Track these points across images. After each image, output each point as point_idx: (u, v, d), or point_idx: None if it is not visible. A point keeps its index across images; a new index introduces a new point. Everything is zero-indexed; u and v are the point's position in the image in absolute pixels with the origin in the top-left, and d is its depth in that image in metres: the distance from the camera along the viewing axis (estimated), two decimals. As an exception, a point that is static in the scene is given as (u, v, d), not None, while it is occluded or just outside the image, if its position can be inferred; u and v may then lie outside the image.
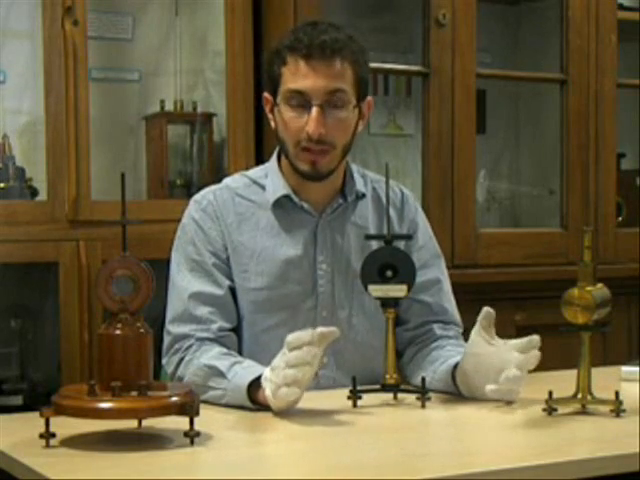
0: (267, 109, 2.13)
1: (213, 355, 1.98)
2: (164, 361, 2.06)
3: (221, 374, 1.93)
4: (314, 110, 2.01)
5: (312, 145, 2.03)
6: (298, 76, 2.02)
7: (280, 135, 2.08)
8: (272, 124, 2.12)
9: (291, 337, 1.76)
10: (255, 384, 1.85)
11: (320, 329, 1.75)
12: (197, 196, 2.17)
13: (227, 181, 2.19)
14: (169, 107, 3.11)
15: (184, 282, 2.08)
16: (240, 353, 2.08)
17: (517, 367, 1.86)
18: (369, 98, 2.12)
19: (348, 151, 2.10)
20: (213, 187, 2.18)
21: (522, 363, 1.87)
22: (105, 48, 3.09)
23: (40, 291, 2.90)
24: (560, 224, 3.35)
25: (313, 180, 2.09)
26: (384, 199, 2.17)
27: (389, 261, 1.92)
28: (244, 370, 1.90)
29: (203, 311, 2.05)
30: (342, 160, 2.10)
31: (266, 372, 1.82)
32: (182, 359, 2.02)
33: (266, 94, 2.12)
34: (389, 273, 1.91)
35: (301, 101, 2.02)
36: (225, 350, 2.02)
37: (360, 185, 2.17)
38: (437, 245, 2.25)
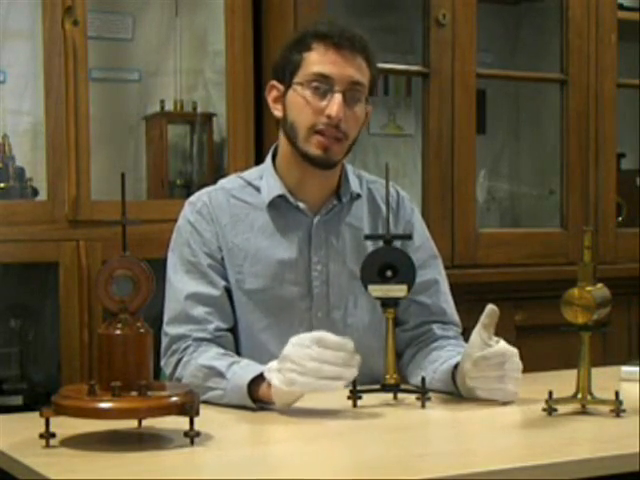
0: (271, 98, 2.12)
1: (211, 355, 1.98)
2: (162, 362, 2.06)
3: (220, 374, 1.93)
4: (337, 95, 2.03)
5: (330, 129, 2.03)
6: (326, 61, 2.03)
7: (291, 119, 2.07)
8: (276, 113, 2.11)
9: (320, 334, 1.76)
10: (255, 382, 1.86)
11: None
12: (192, 198, 2.17)
13: (222, 182, 2.19)
14: (169, 107, 3.11)
15: (180, 284, 2.08)
16: (237, 353, 2.08)
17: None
18: (369, 106, 2.13)
19: (351, 149, 2.11)
20: (208, 189, 2.18)
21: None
22: (105, 48, 3.08)
23: (40, 291, 2.90)
24: (560, 224, 3.35)
25: (322, 167, 2.08)
26: (380, 199, 2.18)
27: (389, 261, 1.92)
28: (243, 369, 1.90)
29: (200, 311, 2.05)
30: (347, 155, 2.11)
31: (272, 364, 1.81)
32: (180, 360, 2.02)
33: (274, 82, 2.11)
34: (389, 273, 1.92)
35: (324, 85, 2.03)
36: (222, 351, 2.02)
37: (355, 186, 2.17)
38: (434, 246, 2.25)
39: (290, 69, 2.07)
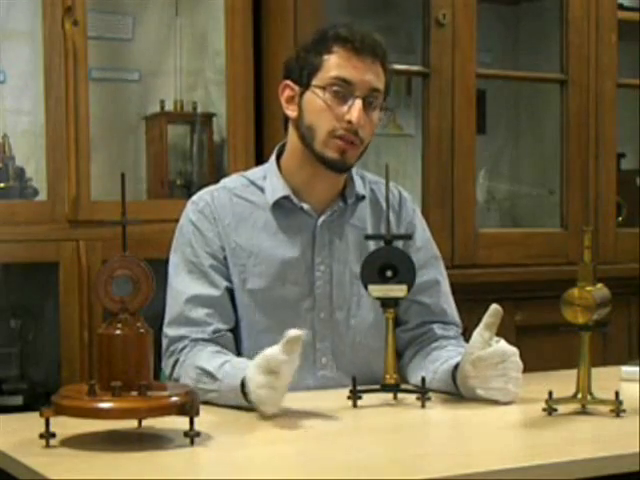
0: (284, 98, 2.11)
1: (203, 356, 1.98)
2: (163, 364, 2.06)
3: (211, 375, 1.92)
4: (358, 101, 2.03)
5: (349, 135, 2.03)
6: (348, 66, 2.03)
7: (309, 121, 2.06)
8: (289, 113, 2.10)
9: (269, 360, 1.76)
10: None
11: (288, 336, 1.74)
12: (194, 197, 2.17)
13: (225, 181, 2.19)
14: (169, 107, 3.11)
15: (181, 285, 2.08)
16: (239, 353, 2.07)
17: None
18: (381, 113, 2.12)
19: (365, 152, 2.11)
20: (210, 188, 2.18)
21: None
22: (105, 48, 3.08)
23: (40, 291, 2.89)
24: (560, 224, 3.34)
25: (337, 170, 2.08)
26: (382, 200, 2.18)
27: (389, 261, 1.92)
28: (234, 369, 1.89)
29: (199, 313, 2.05)
30: (359, 160, 2.11)
31: (250, 373, 1.81)
32: (177, 361, 2.02)
33: (289, 82, 2.10)
34: (389, 273, 1.92)
35: (345, 90, 2.03)
36: (217, 349, 2.01)
37: (359, 187, 2.17)
38: (435, 246, 2.25)
39: (308, 70, 2.06)
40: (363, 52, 2.03)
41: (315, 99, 2.05)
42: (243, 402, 1.86)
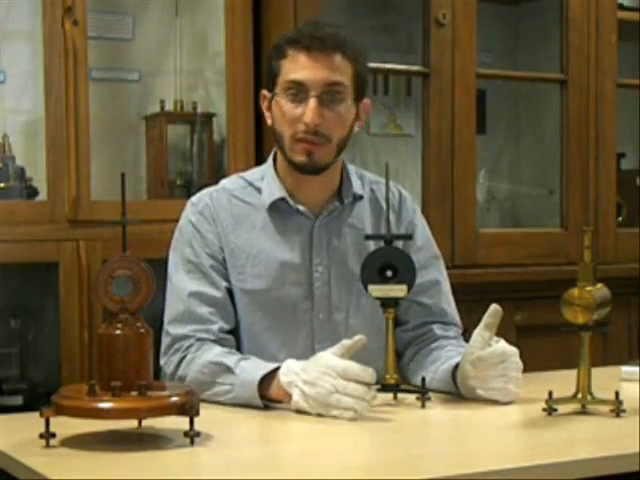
0: (264, 106, 2.13)
1: (217, 353, 1.99)
2: (162, 361, 2.06)
3: (229, 370, 1.93)
4: (312, 100, 2.01)
5: (308, 136, 2.03)
6: (298, 67, 2.02)
7: (277, 128, 2.08)
8: (269, 121, 2.12)
9: (344, 365, 1.80)
10: (265, 379, 1.87)
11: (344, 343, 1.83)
12: (194, 198, 2.17)
13: (224, 183, 2.19)
14: (169, 107, 3.11)
15: (182, 283, 2.08)
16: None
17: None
18: (366, 101, 2.12)
19: (343, 148, 2.09)
20: (210, 189, 2.18)
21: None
22: (105, 48, 3.08)
23: (40, 291, 2.89)
24: (560, 224, 3.34)
25: (309, 173, 2.08)
26: (382, 200, 2.17)
27: (389, 261, 1.92)
28: (252, 366, 1.91)
29: (203, 311, 2.05)
30: (337, 156, 2.09)
31: (287, 377, 1.83)
32: (183, 358, 2.02)
33: (264, 91, 2.12)
34: (389, 273, 1.92)
35: (300, 92, 2.02)
36: (227, 350, 2.02)
37: (357, 187, 2.16)
38: (436, 246, 2.24)
39: (272, 78, 2.08)
40: (313, 49, 2.01)
41: (277, 106, 2.06)
42: (255, 399, 1.87)
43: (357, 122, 2.11)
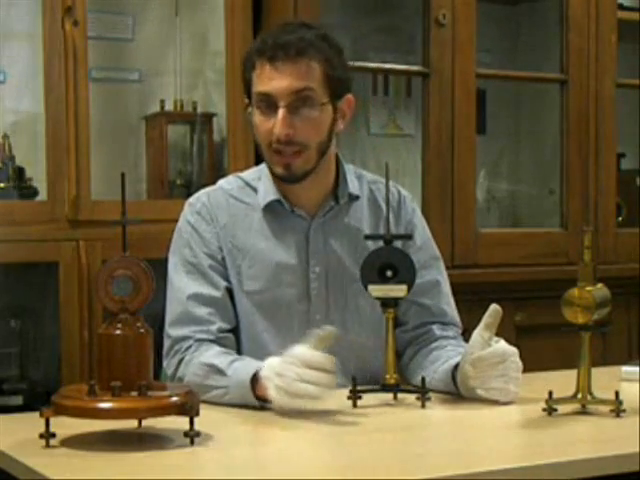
0: (247, 113, 2.12)
1: (211, 354, 1.99)
2: (165, 364, 2.07)
3: (220, 372, 1.93)
4: (280, 112, 2.00)
5: (282, 147, 2.02)
6: (263, 79, 2.01)
7: (256, 139, 2.09)
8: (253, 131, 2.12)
9: (308, 354, 1.78)
10: (256, 378, 1.86)
11: (317, 334, 1.80)
12: (191, 199, 2.17)
13: (221, 183, 2.19)
14: (169, 107, 3.12)
15: (181, 285, 2.08)
16: (239, 353, 2.07)
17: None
18: (349, 96, 2.10)
19: (326, 150, 2.07)
20: (207, 189, 2.18)
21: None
22: (105, 48, 3.08)
23: (40, 291, 2.89)
24: (560, 224, 3.35)
25: (289, 183, 2.08)
26: (381, 200, 2.17)
27: (389, 261, 1.92)
28: (244, 366, 1.91)
29: (202, 312, 2.05)
30: (320, 160, 2.07)
31: (265, 371, 1.83)
32: (182, 360, 2.02)
33: (246, 100, 2.11)
34: (389, 273, 1.92)
35: (269, 103, 2.01)
36: (224, 349, 2.02)
37: (353, 187, 2.15)
38: (435, 246, 2.24)
39: (247, 90, 2.07)
40: (276, 58, 1.99)
41: (253, 119, 2.06)
42: (250, 399, 1.87)
43: (339, 120, 2.09)
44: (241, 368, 1.90)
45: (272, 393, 1.81)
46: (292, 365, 1.79)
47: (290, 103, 2.00)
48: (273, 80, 2.00)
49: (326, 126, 2.06)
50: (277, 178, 2.08)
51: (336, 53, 2.06)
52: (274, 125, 2.00)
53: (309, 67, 2.01)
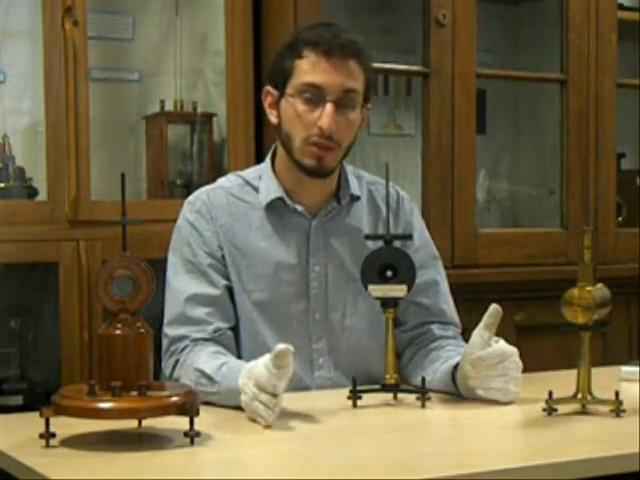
0: (267, 103, 2.12)
1: (202, 358, 1.97)
2: (163, 364, 2.06)
3: (209, 378, 1.92)
4: (329, 106, 2.01)
5: (322, 140, 2.03)
6: (317, 70, 2.02)
7: (286, 129, 2.07)
8: (272, 119, 2.11)
9: (263, 377, 1.73)
10: None
11: (277, 350, 1.73)
12: (191, 197, 2.17)
13: (221, 181, 2.19)
14: (169, 107, 3.11)
15: (180, 284, 2.08)
16: (240, 351, 2.08)
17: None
18: (369, 104, 2.13)
19: (348, 153, 2.10)
20: (206, 187, 2.18)
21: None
22: (105, 48, 3.08)
23: (40, 291, 2.89)
24: (560, 224, 3.35)
25: (316, 176, 2.08)
26: (380, 200, 2.18)
27: (389, 261, 1.92)
28: (231, 371, 1.88)
29: (199, 312, 2.05)
30: (341, 162, 2.11)
31: (245, 380, 1.79)
32: (177, 361, 2.02)
33: (269, 87, 2.10)
34: (389, 273, 1.92)
35: (315, 96, 2.02)
36: (217, 348, 2.01)
37: (354, 188, 2.16)
38: (434, 246, 2.24)
39: (283, 77, 2.06)
40: (333, 54, 2.01)
41: (289, 107, 2.05)
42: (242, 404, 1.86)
43: (362, 125, 2.12)
44: (228, 374, 1.88)
45: (243, 398, 1.79)
46: (250, 382, 1.76)
47: (337, 100, 2.02)
48: (326, 74, 2.01)
49: (356, 129, 2.09)
50: (303, 171, 2.07)
51: (371, 60, 2.10)
52: (319, 118, 2.01)
53: (357, 70, 2.05)
